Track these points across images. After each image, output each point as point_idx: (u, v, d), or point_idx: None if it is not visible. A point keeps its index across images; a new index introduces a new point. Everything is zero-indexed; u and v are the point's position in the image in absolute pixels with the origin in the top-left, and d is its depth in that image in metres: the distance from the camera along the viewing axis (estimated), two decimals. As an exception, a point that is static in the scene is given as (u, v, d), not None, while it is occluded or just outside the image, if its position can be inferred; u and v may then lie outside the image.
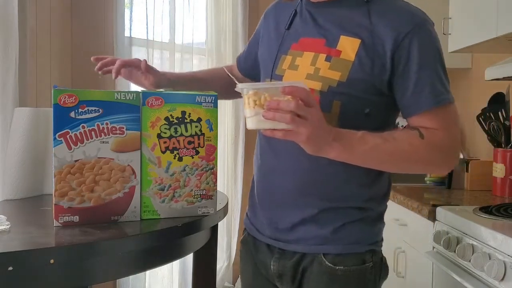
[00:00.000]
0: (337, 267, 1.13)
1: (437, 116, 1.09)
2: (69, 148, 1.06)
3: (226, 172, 3.26)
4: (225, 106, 3.19)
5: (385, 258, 1.21)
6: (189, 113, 1.15)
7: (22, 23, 2.12)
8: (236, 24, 3.23)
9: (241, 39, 3.21)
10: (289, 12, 1.24)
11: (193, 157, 1.16)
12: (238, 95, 1.02)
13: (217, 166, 1.20)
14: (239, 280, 3.25)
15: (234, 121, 3.24)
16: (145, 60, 1.35)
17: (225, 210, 1.36)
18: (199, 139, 1.17)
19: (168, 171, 1.15)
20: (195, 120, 1.16)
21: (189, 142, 1.16)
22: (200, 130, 1.16)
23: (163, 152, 1.14)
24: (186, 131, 1.15)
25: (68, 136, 1.06)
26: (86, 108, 1.06)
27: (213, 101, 1.17)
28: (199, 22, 3.20)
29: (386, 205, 1.23)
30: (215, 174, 1.20)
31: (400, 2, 1.14)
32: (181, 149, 1.15)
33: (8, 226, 1.04)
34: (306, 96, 0.95)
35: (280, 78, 1.19)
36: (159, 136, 1.13)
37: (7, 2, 2.05)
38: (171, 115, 1.14)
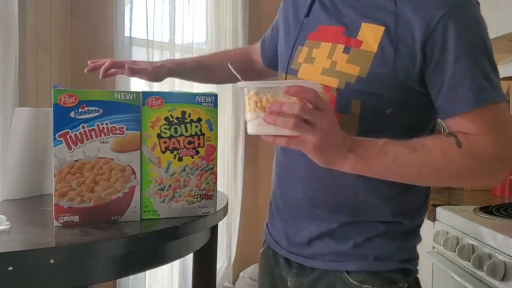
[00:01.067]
0: (364, 286, 0.97)
1: (480, 118, 0.89)
2: (69, 148, 1.06)
3: (226, 172, 3.25)
4: (225, 106, 3.19)
5: (419, 281, 1.05)
6: (189, 113, 1.15)
7: (22, 23, 2.12)
8: (236, 24, 3.23)
9: (241, 39, 3.21)
10: None
11: (193, 157, 1.16)
12: (257, 73, 0.92)
13: (217, 166, 1.20)
14: (239, 280, 3.25)
15: (234, 121, 3.24)
16: (128, 66, 1.29)
17: (225, 210, 1.36)
18: (199, 139, 1.17)
19: (168, 171, 1.15)
20: (195, 120, 1.16)
21: (189, 142, 1.16)
22: (200, 130, 1.16)
23: (163, 152, 1.14)
24: (186, 131, 1.15)
25: (68, 136, 1.06)
26: (86, 108, 1.06)
27: (213, 101, 1.16)
28: (199, 22, 3.19)
29: (423, 219, 1.07)
30: (215, 174, 1.20)
31: None
32: (181, 149, 1.15)
33: (8, 226, 1.04)
34: (314, 97, 0.80)
35: (295, 73, 1.03)
36: (159, 136, 1.13)
37: (7, 2, 2.05)
38: (171, 115, 1.14)
